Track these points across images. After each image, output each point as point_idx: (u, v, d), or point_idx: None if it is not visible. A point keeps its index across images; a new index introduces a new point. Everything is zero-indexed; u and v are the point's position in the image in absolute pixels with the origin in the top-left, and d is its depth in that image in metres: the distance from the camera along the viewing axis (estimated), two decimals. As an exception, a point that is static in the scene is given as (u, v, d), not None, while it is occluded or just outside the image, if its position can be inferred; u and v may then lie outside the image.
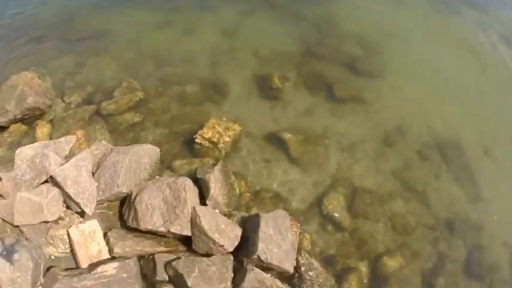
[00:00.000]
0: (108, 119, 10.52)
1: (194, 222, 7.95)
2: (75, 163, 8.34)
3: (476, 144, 11.61)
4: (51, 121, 10.38)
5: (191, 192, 8.28)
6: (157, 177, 9.04)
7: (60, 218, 8.22)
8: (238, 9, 14.05)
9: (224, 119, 10.38)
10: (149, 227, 8.01)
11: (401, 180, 10.51)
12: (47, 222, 8.01)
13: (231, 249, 8.03)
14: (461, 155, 11.24)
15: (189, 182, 8.25)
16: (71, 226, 8.13)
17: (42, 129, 10.15)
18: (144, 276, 8.11)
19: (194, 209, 7.99)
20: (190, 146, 10.00)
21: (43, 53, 12.20)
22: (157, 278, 7.94)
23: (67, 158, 8.92)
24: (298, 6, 14.42)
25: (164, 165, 9.74)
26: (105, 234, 8.26)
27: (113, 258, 7.94)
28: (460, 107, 12.40)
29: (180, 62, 12.27)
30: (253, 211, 9.16)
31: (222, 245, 7.86)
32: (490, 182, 10.91)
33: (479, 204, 10.49)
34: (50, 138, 9.86)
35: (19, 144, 9.46)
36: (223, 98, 11.46)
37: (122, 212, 8.66)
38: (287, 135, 10.25)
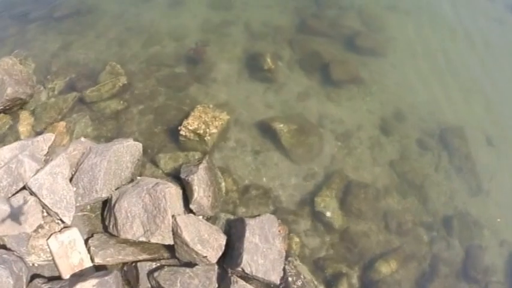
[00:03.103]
0: (91, 107, 9.74)
1: (175, 233, 7.26)
2: (50, 170, 7.60)
3: (479, 132, 10.71)
4: (33, 111, 9.60)
5: (172, 199, 7.55)
6: (138, 178, 8.31)
7: (40, 227, 7.54)
8: (231, -20, 12.65)
9: (211, 106, 9.49)
10: (129, 237, 7.41)
11: (398, 172, 9.68)
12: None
13: (215, 261, 7.45)
14: (463, 144, 10.33)
15: (169, 189, 7.49)
16: (51, 235, 7.47)
17: (25, 120, 9.42)
18: (127, 282, 7.58)
19: (175, 219, 7.27)
20: (175, 137, 9.15)
21: (27, 33, 11.31)
22: (140, 287, 7.40)
23: (47, 155, 8.24)
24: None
25: (148, 159, 8.98)
26: (87, 239, 7.65)
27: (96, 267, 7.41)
28: (465, 91, 11.41)
29: (167, 40, 11.23)
30: (241, 210, 8.53)
31: (205, 256, 7.24)
32: (491, 175, 10.09)
33: (479, 199, 9.73)
34: (33, 129, 9.34)
35: (3, 136, 9.01)
36: (212, 80, 10.53)
37: (104, 215, 7.98)
38: (279, 125, 9.36)
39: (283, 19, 11.87)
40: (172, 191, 7.57)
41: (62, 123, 9.29)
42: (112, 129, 9.46)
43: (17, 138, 8.94)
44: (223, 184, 8.69)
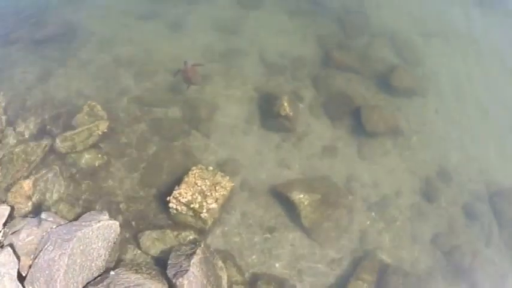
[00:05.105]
0: (64, 160, 7.60)
1: None
2: (-7, 271, 5.36)
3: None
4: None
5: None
6: (112, 273, 6.08)
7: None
8: (242, -4, 10.30)
9: (211, 168, 7.15)
10: None
11: (444, 251, 7.49)
12: None
13: None
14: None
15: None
16: None
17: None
18: None
19: None
20: (166, 205, 6.85)
21: (7, 59, 9.35)
22: None
23: (7, 227, 6.39)
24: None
25: (130, 235, 6.82)
26: None
27: None
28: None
29: (162, 72, 9.09)
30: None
31: None
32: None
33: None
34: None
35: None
36: (214, 127, 8.33)
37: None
38: (298, 196, 7.05)
39: (304, 48, 9.57)
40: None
41: (28, 183, 7.26)
42: (88, 191, 7.34)
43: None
44: (224, 277, 6.34)
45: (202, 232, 6.70)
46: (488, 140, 8.90)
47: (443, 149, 8.49)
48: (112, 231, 6.27)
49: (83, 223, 6.14)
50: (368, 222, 7.37)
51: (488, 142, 8.86)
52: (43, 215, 6.39)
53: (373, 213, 7.48)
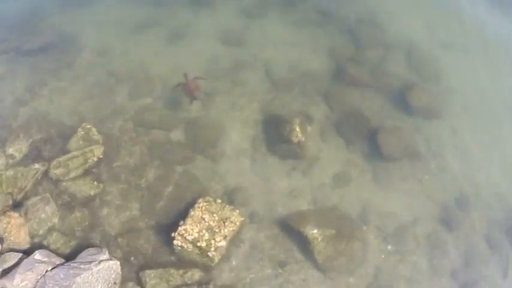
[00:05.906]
0: (58, 187, 7.15)
1: None
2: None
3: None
4: (-13, 188, 7.09)
5: None
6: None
7: None
8: (246, 6, 9.89)
9: (219, 200, 6.75)
10: None
11: (462, 284, 7.08)
12: None
13: None
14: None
15: None
16: None
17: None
18: None
19: None
20: (168, 238, 6.44)
21: None
22: None
23: None
24: (325, 3, 10.01)
25: (131, 272, 6.37)
26: None
27: None
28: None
29: (161, 88, 8.77)
30: None
31: None
32: None
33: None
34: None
35: None
36: (220, 152, 7.90)
37: None
38: (311, 232, 6.73)
39: (314, 62, 9.19)
40: None
41: (19, 212, 6.71)
42: (83, 222, 6.93)
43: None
44: (233, 317, 6.01)
45: (208, 269, 6.35)
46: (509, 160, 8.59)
47: (462, 173, 8.11)
48: (113, 272, 5.92)
49: (82, 265, 5.76)
50: (384, 256, 7.01)
51: (508, 163, 8.55)
52: (37, 256, 5.96)
53: (389, 246, 7.12)
